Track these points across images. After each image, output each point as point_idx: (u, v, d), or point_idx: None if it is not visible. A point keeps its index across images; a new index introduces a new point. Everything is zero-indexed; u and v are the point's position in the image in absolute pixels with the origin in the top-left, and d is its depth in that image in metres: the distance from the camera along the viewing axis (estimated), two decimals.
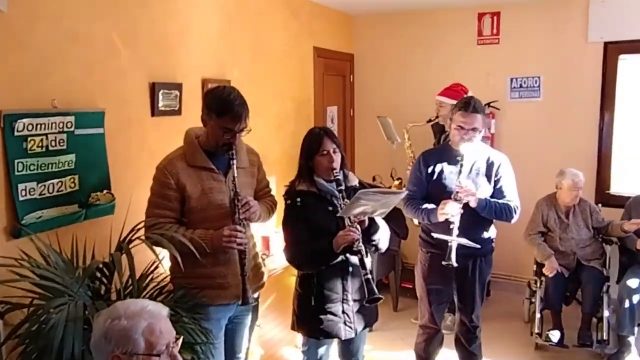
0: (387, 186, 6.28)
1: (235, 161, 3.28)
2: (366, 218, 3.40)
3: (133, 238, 3.10)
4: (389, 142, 6.41)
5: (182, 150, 3.37)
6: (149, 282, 3.26)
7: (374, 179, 6.51)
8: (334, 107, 7.23)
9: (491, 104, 6.74)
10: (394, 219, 4.52)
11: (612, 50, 6.39)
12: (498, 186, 4.20)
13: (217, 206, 3.31)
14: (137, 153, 4.05)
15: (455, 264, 3.94)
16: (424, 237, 4.37)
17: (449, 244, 3.93)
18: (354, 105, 7.69)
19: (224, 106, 3.19)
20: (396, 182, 6.37)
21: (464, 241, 3.98)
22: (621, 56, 6.37)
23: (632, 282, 5.27)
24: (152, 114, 4.18)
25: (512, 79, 6.82)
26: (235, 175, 3.28)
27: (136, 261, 2.94)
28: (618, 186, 6.55)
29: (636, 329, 5.26)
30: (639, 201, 5.58)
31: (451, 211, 3.95)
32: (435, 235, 4.09)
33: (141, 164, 3.99)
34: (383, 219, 3.53)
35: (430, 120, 5.73)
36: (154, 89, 4.14)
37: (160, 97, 4.20)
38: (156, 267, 3.26)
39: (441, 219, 4.04)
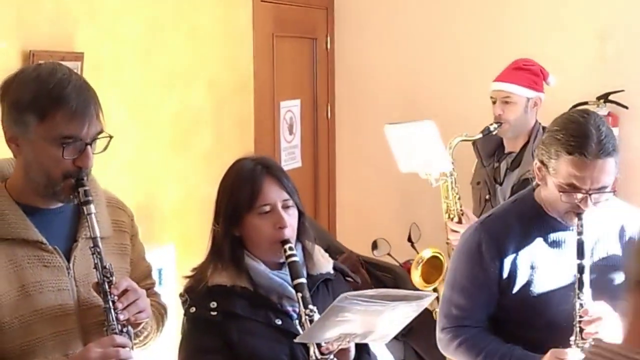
0: (400, 263, 4.49)
1: (93, 207, 2.29)
2: (351, 346, 2.45)
3: None
4: (414, 176, 4.25)
5: None
6: None
7: (374, 247, 4.57)
8: (294, 101, 5.29)
9: (610, 98, 4.70)
10: (417, 332, 3.82)
11: None
12: None
13: (52, 319, 2.32)
14: None
15: None
16: None
17: None
18: (333, 97, 5.57)
19: (49, 95, 2.20)
20: (424, 254, 4.13)
21: None
22: None
23: None
24: None
25: None
26: (98, 234, 2.27)
27: None
28: None
29: None
30: None
31: None
32: None
33: None
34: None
35: (488, 131, 4.09)
36: None
37: None
38: None
39: None
